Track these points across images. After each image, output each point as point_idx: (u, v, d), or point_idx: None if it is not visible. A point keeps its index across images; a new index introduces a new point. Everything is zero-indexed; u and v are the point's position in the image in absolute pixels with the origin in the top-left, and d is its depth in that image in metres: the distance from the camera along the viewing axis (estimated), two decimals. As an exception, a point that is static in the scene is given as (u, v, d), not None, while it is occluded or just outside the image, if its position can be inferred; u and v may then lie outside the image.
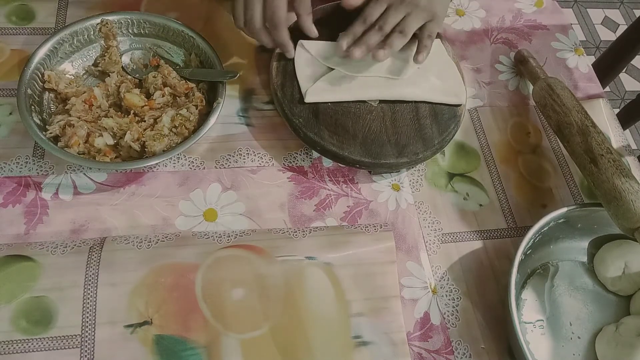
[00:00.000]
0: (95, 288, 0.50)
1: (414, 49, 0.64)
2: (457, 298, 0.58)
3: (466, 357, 0.55)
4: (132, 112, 0.59)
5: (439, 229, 0.61)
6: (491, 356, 0.55)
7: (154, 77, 0.61)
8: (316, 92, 0.62)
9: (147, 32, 0.65)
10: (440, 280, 0.59)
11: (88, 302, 0.50)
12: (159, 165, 0.59)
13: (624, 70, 1.77)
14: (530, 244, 0.56)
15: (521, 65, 0.74)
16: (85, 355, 0.48)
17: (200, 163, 0.61)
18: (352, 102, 0.63)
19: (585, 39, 1.96)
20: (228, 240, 0.55)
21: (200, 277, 0.52)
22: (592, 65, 0.80)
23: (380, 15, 0.61)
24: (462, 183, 0.65)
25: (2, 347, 0.47)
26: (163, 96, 0.60)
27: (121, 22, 0.63)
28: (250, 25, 0.60)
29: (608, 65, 1.17)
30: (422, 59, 0.63)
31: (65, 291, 0.50)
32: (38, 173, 0.57)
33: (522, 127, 0.71)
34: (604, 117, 0.73)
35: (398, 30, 0.61)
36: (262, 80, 0.68)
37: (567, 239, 0.62)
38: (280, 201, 0.60)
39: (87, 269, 0.51)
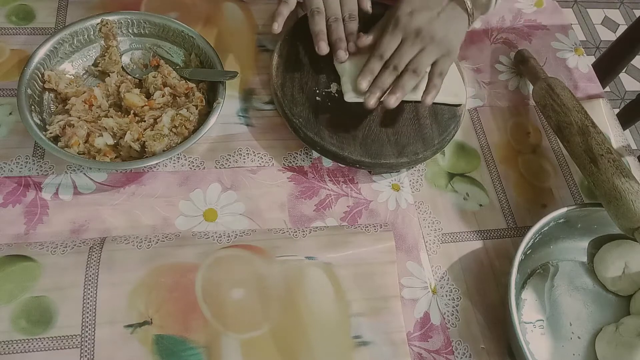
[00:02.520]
0: (95, 288, 0.50)
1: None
2: (457, 298, 0.58)
3: (466, 357, 0.55)
4: (132, 112, 0.59)
5: (439, 229, 0.61)
6: (491, 356, 0.55)
7: (154, 77, 0.61)
8: (353, 92, 0.62)
9: (147, 32, 0.65)
10: (440, 280, 0.59)
11: (88, 302, 0.50)
12: (159, 165, 0.60)
13: (624, 70, 1.77)
14: (530, 244, 0.56)
15: (521, 65, 0.74)
16: (85, 355, 0.48)
17: (200, 163, 0.61)
18: (352, 102, 0.63)
19: (585, 39, 1.96)
20: (228, 240, 0.55)
21: (200, 277, 0.52)
22: (592, 65, 0.80)
23: (395, 49, 0.60)
24: (462, 183, 0.65)
25: (2, 347, 0.47)
26: (163, 96, 0.60)
27: (121, 22, 0.63)
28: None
29: (608, 65, 1.17)
30: (430, 100, 0.59)
31: (65, 291, 0.50)
32: (38, 173, 0.57)
33: (522, 127, 0.71)
34: (604, 117, 0.73)
35: (411, 69, 0.60)
36: (262, 80, 0.68)
37: (567, 239, 0.62)
38: (280, 201, 0.60)
39: (87, 269, 0.51)
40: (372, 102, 0.59)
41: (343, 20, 0.64)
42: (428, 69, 0.61)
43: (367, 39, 0.62)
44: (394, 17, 0.61)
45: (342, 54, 0.62)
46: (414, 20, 0.60)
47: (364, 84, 0.60)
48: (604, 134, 0.60)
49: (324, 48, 0.62)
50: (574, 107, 0.62)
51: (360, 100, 0.61)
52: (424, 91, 0.60)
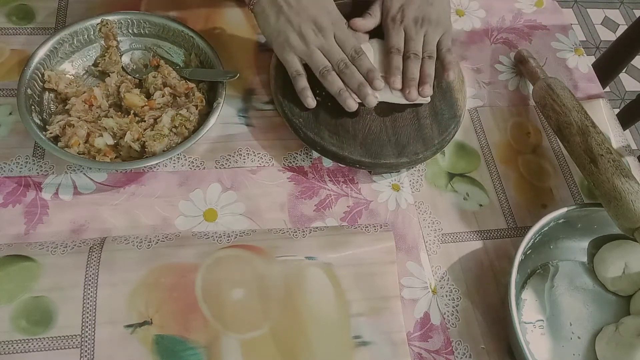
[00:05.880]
0: (95, 288, 0.50)
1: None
2: (457, 298, 0.58)
3: (466, 357, 0.55)
4: (132, 112, 0.59)
5: (439, 229, 0.61)
6: (491, 356, 0.55)
7: (154, 77, 0.61)
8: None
9: (147, 32, 0.65)
10: (440, 281, 0.59)
11: (88, 302, 0.50)
12: (159, 165, 0.60)
13: (624, 70, 1.77)
14: (530, 244, 0.56)
15: (521, 65, 0.74)
16: (85, 355, 0.48)
17: (200, 163, 0.61)
18: None
19: (585, 39, 1.96)
20: (228, 240, 0.55)
21: (200, 277, 0.52)
22: (592, 65, 0.80)
23: (405, 41, 0.63)
24: (462, 183, 0.65)
25: (2, 347, 0.47)
26: (163, 96, 0.60)
27: (121, 22, 0.63)
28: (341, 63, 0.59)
29: (608, 65, 1.17)
30: (453, 76, 0.63)
31: (65, 291, 0.50)
32: (38, 173, 0.57)
33: (522, 127, 0.71)
34: (604, 117, 0.73)
35: (427, 56, 0.63)
36: (262, 80, 0.68)
37: (567, 239, 0.62)
38: (280, 201, 0.60)
39: (87, 269, 0.51)
40: (414, 95, 0.61)
41: (352, 60, 0.60)
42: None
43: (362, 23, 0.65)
44: (387, 18, 0.64)
45: (372, 99, 0.58)
46: (408, 13, 0.63)
47: (398, 83, 0.61)
48: (604, 134, 0.60)
49: (352, 105, 0.59)
50: (574, 107, 0.62)
51: (358, 101, 0.61)
52: (444, 70, 0.63)
